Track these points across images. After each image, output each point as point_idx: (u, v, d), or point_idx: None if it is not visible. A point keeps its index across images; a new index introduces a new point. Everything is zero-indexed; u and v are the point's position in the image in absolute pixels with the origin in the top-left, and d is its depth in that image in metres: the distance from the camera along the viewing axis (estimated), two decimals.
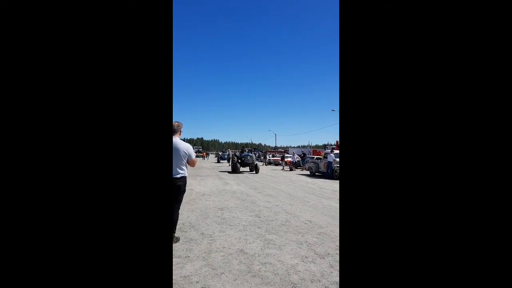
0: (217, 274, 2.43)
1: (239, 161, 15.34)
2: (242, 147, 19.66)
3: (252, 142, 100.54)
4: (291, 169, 18.79)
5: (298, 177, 13.41)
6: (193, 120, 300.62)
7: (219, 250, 3.02)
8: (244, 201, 6.11)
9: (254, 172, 14.97)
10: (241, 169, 15.18)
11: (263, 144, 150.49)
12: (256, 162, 15.38)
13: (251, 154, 15.78)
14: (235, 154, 16.69)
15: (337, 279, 2.38)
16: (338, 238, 3.53)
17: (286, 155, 23.57)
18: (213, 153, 69.22)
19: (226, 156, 28.37)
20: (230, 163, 16.65)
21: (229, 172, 14.90)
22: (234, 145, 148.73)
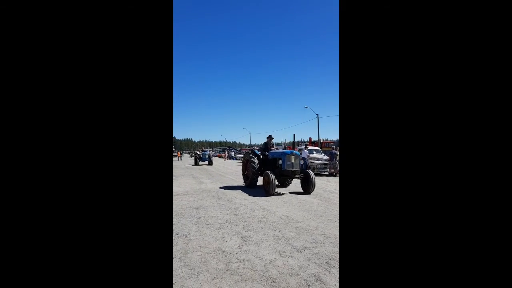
0: (194, 274, 2.38)
1: (265, 166, 7.51)
2: (269, 137, 8.26)
3: (226, 140, 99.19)
4: None
5: None
6: None
7: (195, 250, 2.95)
8: (220, 200, 6.05)
9: (308, 190, 6.82)
10: (276, 186, 6.72)
11: (237, 142, 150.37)
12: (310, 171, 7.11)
13: (307, 153, 7.21)
14: (253, 151, 8.16)
15: (314, 271, 2.44)
16: (314, 231, 3.64)
17: None
18: (186, 153, 59.52)
19: (207, 157, 20.40)
20: (246, 172, 8.04)
21: (246, 192, 7.08)
22: (208, 144, 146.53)
